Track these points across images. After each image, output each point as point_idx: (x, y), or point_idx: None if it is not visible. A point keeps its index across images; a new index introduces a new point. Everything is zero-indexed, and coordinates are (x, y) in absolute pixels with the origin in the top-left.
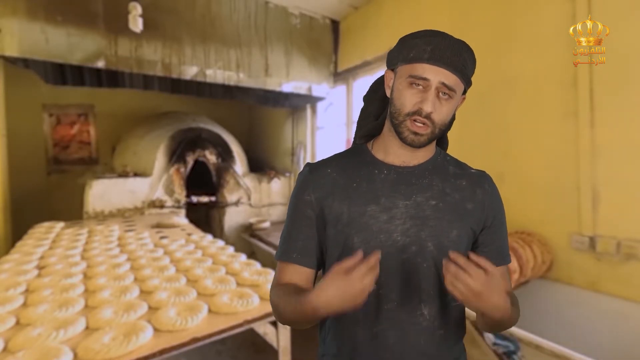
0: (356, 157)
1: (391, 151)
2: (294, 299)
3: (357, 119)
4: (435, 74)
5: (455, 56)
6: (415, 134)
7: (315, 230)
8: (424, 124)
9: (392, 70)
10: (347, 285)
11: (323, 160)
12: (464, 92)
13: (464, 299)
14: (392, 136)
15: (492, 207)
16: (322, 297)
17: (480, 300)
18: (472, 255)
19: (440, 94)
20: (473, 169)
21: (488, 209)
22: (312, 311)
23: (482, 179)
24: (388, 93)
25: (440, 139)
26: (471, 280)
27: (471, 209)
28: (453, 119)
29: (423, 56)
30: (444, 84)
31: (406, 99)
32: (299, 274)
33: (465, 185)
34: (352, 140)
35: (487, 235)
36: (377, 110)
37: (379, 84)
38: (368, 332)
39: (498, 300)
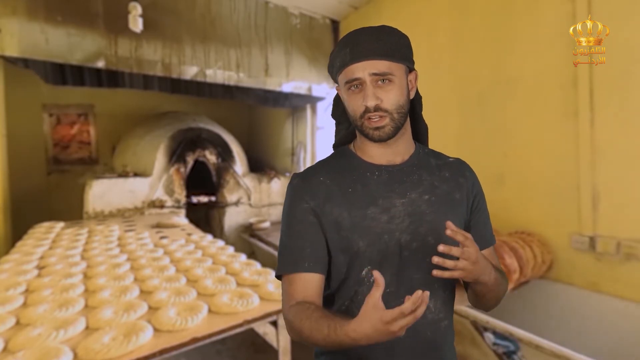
0: (344, 161)
1: (371, 153)
2: (325, 326)
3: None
4: (363, 70)
5: (375, 43)
6: (376, 128)
7: (321, 234)
8: (379, 116)
9: (338, 84)
10: (383, 328)
11: (310, 168)
12: (412, 70)
13: (467, 272)
14: (366, 139)
15: (474, 193)
16: (359, 331)
17: (477, 266)
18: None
19: (379, 82)
20: (450, 157)
21: (472, 196)
22: (352, 341)
23: (461, 167)
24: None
25: (418, 134)
26: (470, 251)
27: (459, 198)
28: (420, 97)
29: (346, 59)
30: (374, 74)
31: (352, 105)
32: (311, 283)
33: (449, 176)
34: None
35: (473, 220)
36: (346, 122)
37: (337, 99)
38: None
39: (485, 263)
